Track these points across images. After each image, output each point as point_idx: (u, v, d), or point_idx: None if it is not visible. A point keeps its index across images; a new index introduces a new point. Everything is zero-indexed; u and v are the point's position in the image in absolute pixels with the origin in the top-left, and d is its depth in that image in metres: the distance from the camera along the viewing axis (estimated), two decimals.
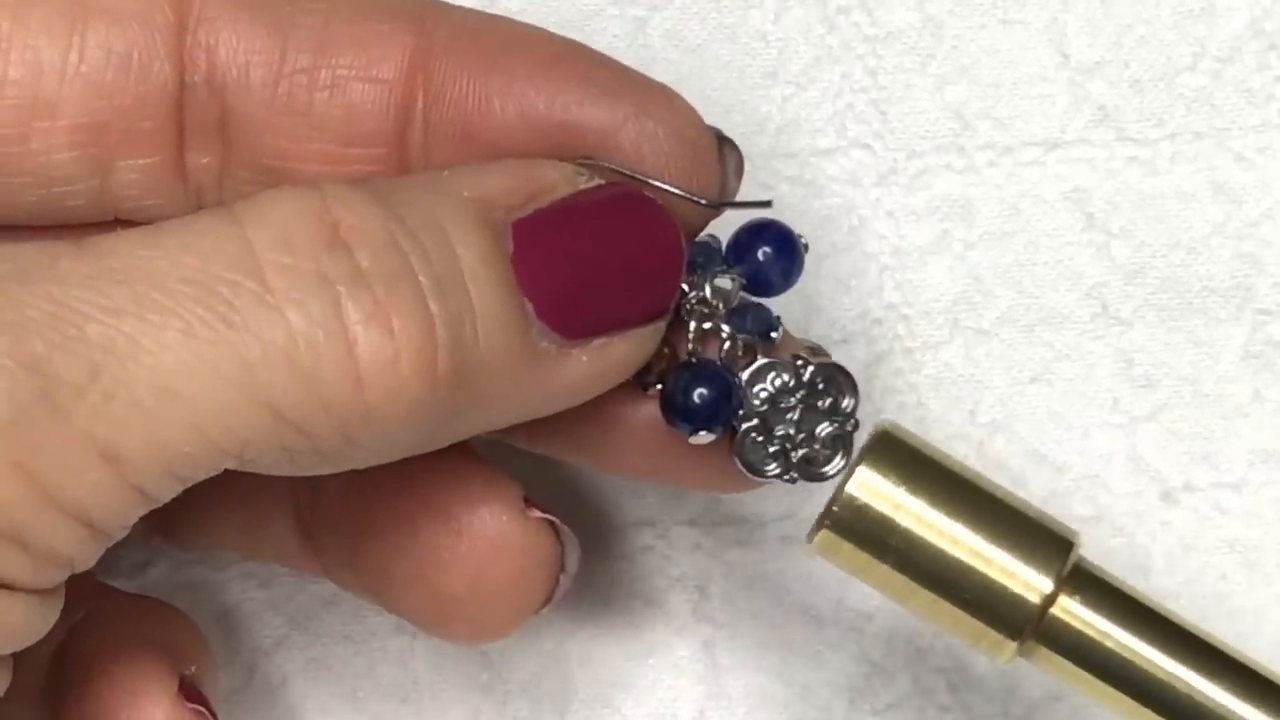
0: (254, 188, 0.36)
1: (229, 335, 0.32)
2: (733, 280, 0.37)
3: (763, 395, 0.37)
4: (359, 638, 0.44)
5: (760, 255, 0.37)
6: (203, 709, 0.38)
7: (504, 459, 0.39)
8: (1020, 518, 0.36)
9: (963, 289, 0.44)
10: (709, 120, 0.37)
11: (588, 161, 0.36)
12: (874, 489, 0.36)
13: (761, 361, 0.37)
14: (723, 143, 0.37)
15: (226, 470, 0.34)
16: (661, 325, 0.36)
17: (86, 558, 0.33)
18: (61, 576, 0.33)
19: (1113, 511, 0.43)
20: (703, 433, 0.37)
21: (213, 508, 0.38)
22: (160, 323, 0.32)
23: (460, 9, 0.38)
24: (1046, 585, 0.36)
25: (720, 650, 0.43)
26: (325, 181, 0.34)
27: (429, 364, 0.33)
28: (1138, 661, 0.36)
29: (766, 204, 0.38)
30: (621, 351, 0.36)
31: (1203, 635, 0.36)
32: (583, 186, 0.36)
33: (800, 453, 0.37)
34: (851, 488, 0.36)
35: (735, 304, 0.37)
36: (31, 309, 0.32)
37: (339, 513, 0.39)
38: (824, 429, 0.37)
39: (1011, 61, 0.44)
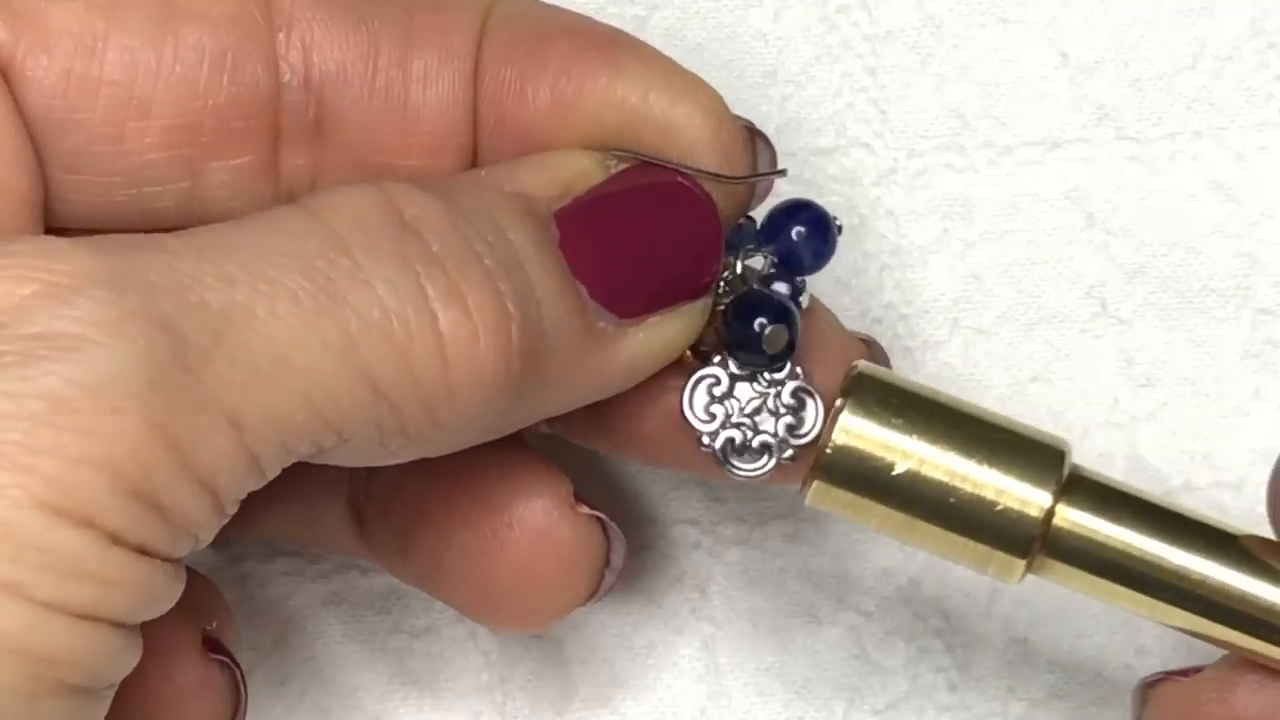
0: None
1: (332, 307, 0.33)
2: (764, 258, 0.38)
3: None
4: (358, 638, 0.44)
5: (794, 235, 0.38)
6: (227, 660, 0.38)
7: None
8: (1009, 436, 0.36)
9: (962, 288, 0.44)
10: None
11: (616, 150, 0.37)
12: (859, 432, 0.36)
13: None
14: (754, 135, 0.38)
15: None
16: (709, 301, 0.37)
17: (210, 530, 0.33)
18: (188, 549, 0.33)
19: None
20: (771, 327, 0.37)
21: (272, 499, 0.39)
22: (270, 292, 0.33)
23: None
24: (1045, 498, 0.36)
25: (720, 650, 0.43)
26: (383, 181, 0.35)
27: (505, 340, 0.34)
28: (1148, 557, 0.36)
29: (782, 173, 0.38)
30: (674, 328, 0.37)
31: (1209, 520, 0.36)
32: (614, 172, 0.37)
33: (730, 433, 0.37)
34: (838, 435, 0.36)
35: (764, 280, 0.38)
36: (154, 275, 0.32)
37: (392, 502, 0.40)
38: (764, 433, 0.37)
39: (1011, 60, 0.44)
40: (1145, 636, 0.43)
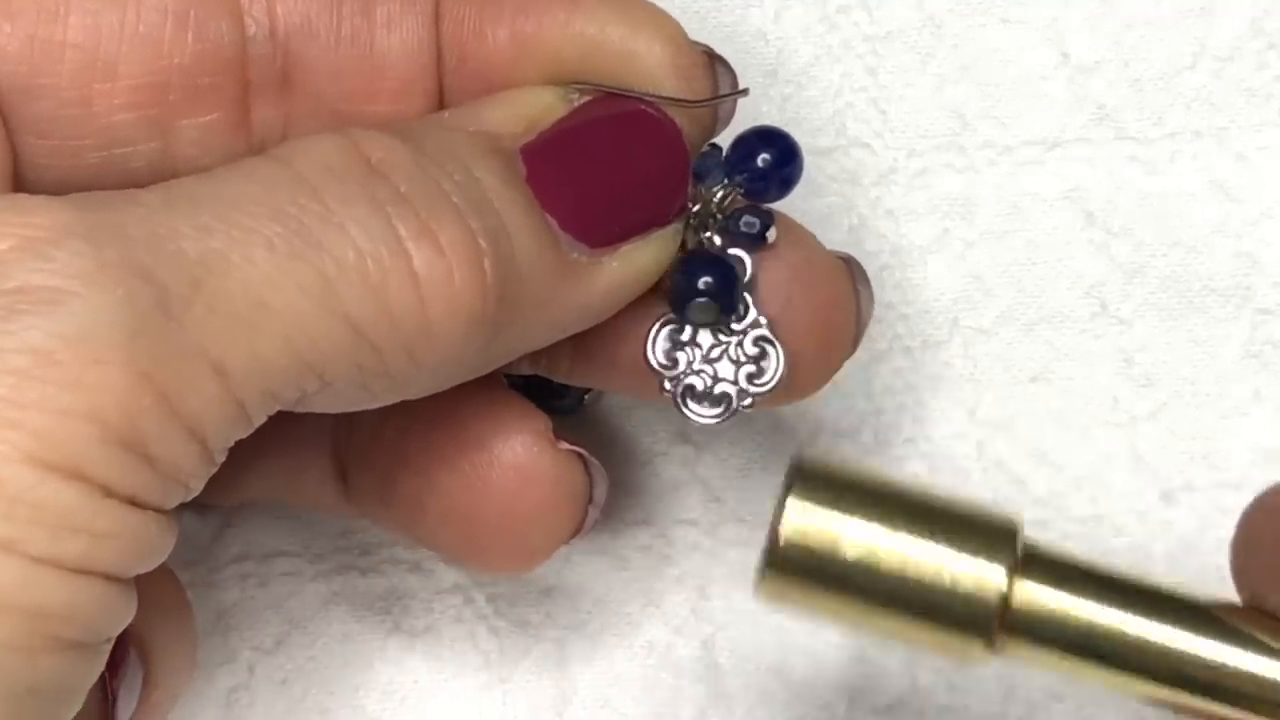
0: None
1: (306, 251, 0.33)
2: (729, 191, 0.38)
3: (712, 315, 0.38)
4: (359, 637, 0.44)
5: (760, 161, 0.38)
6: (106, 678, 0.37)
7: None
8: (958, 517, 0.35)
9: (962, 288, 0.44)
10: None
11: (578, 84, 0.37)
12: (808, 524, 0.35)
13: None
14: (714, 60, 0.38)
15: (272, 416, 0.34)
16: (680, 226, 0.38)
17: (199, 479, 0.33)
18: (179, 498, 0.33)
19: (1113, 511, 0.43)
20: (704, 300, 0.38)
21: (255, 456, 0.39)
22: (245, 239, 0.33)
23: None
24: (1000, 577, 0.35)
25: (720, 650, 0.43)
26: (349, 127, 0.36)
27: (479, 275, 0.34)
28: (1109, 629, 0.35)
29: (744, 93, 0.38)
30: (647, 255, 0.37)
31: (1169, 589, 0.36)
32: (577, 105, 0.37)
33: (690, 380, 0.38)
34: (785, 528, 0.35)
35: (733, 216, 0.38)
36: (130, 227, 0.33)
37: (373, 450, 0.40)
38: (724, 380, 0.38)
39: (1011, 60, 0.44)
40: None
